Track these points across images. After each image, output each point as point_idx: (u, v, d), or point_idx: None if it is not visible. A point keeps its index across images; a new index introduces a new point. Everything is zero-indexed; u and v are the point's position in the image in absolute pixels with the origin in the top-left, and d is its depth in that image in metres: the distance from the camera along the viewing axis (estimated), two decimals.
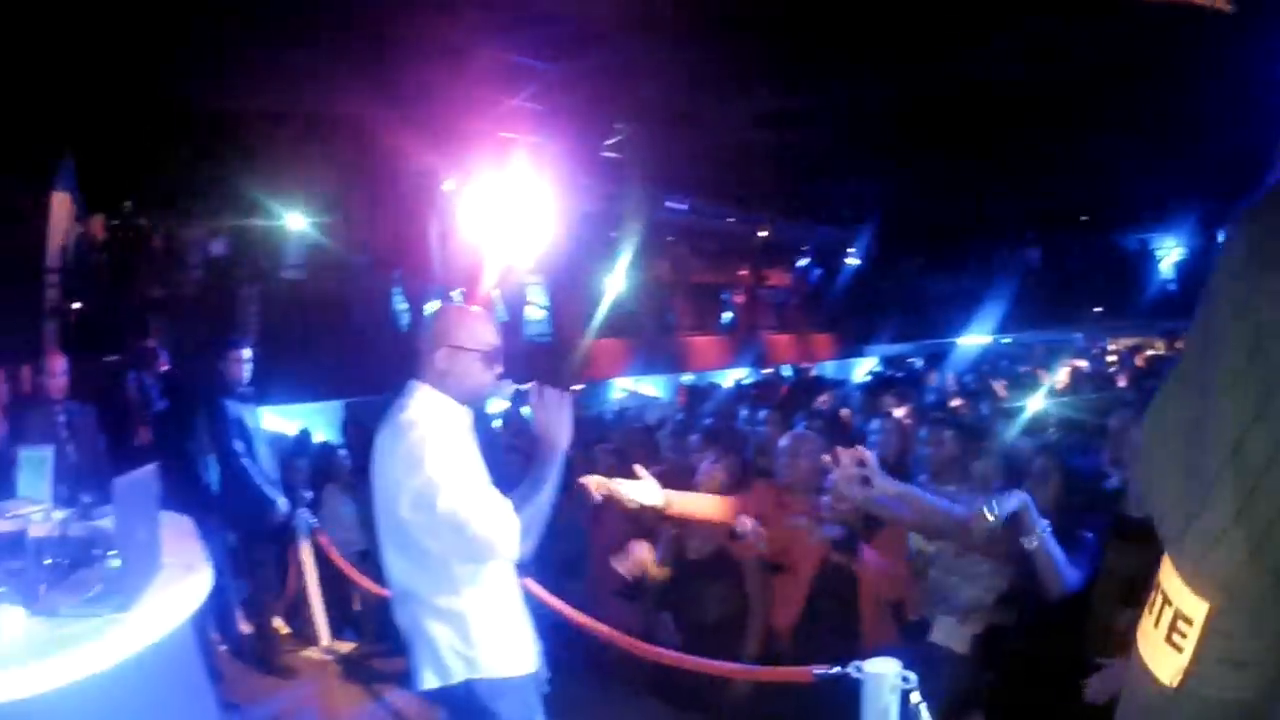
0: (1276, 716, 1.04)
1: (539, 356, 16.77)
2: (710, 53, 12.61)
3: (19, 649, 3.22)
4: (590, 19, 12.02)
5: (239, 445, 7.76)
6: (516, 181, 15.31)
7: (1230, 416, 1.00)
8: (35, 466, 5.82)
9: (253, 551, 8.02)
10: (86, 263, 11.63)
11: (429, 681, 3.45)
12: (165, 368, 9.40)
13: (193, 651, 4.16)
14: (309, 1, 10.73)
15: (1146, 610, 1.14)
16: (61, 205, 11.77)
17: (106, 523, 5.27)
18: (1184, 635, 1.07)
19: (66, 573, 3.94)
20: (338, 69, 12.24)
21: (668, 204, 18.31)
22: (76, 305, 11.42)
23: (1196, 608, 1.05)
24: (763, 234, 22.45)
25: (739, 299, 21.93)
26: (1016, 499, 3.62)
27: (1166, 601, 1.09)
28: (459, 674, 3.43)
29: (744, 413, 9.89)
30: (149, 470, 4.05)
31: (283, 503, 7.87)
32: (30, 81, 9.99)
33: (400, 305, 15.96)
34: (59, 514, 5.36)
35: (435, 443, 3.31)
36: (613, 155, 17.10)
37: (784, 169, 18.18)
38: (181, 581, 3.84)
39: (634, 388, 19.35)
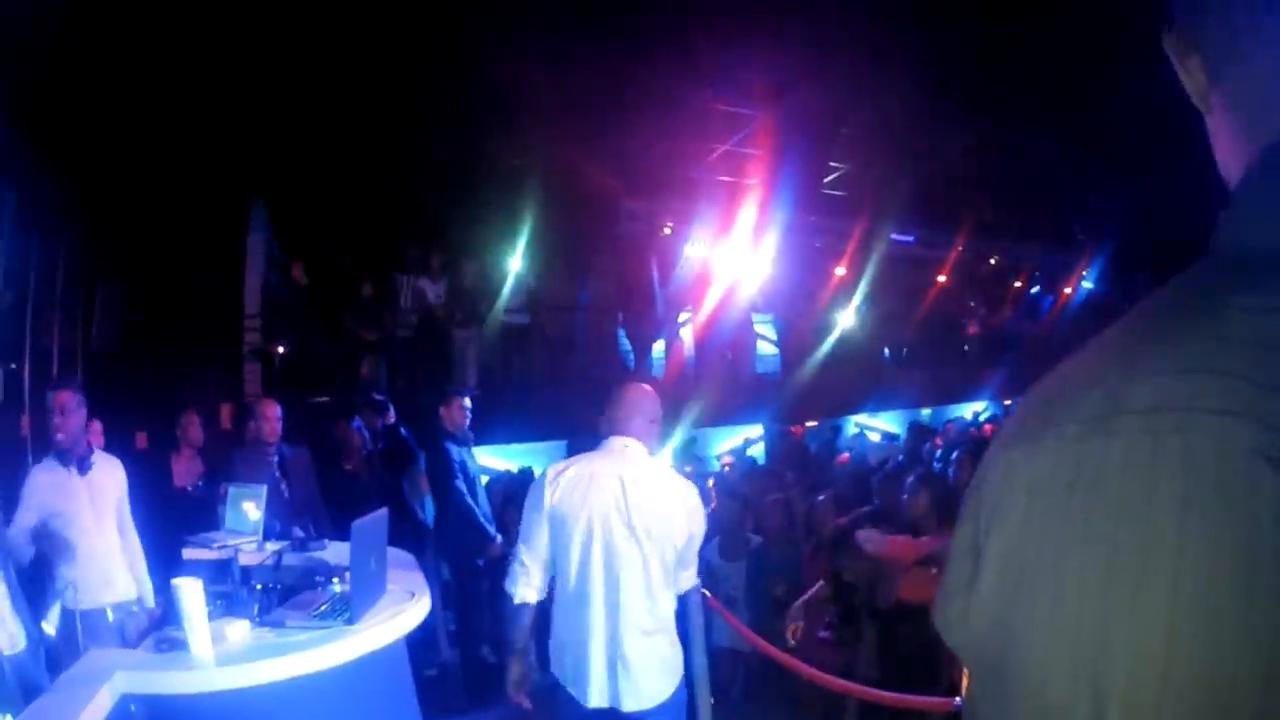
0: None
1: (768, 393, 16.89)
2: (924, 81, 12.59)
3: (248, 650, 3.90)
4: (789, 64, 12.21)
5: (460, 485, 8.27)
6: (737, 223, 15.56)
7: None
8: (244, 501, 6.37)
9: (466, 584, 8.65)
10: (287, 306, 12.16)
11: (659, 694, 4.30)
12: (392, 419, 9.92)
13: (405, 666, 4.89)
14: (520, 54, 11.14)
15: None
16: (257, 249, 12.43)
17: (324, 555, 5.86)
18: None
19: (284, 596, 4.78)
20: (554, 118, 12.68)
21: (893, 236, 18.21)
22: (280, 349, 11.92)
23: None
24: (993, 261, 22.10)
25: (972, 330, 21.58)
26: None
27: None
28: (673, 684, 4.35)
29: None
30: (382, 514, 4.73)
31: (499, 539, 8.32)
32: (229, 122, 10.57)
33: (625, 346, 16.30)
34: (272, 546, 5.89)
35: None
36: (834, 192, 17.27)
37: (1011, 192, 17.89)
38: (402, 605, 4.67)
39: (867, 423, 19.31)
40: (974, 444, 9.11)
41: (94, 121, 9.42)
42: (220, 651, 3.90)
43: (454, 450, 8.54)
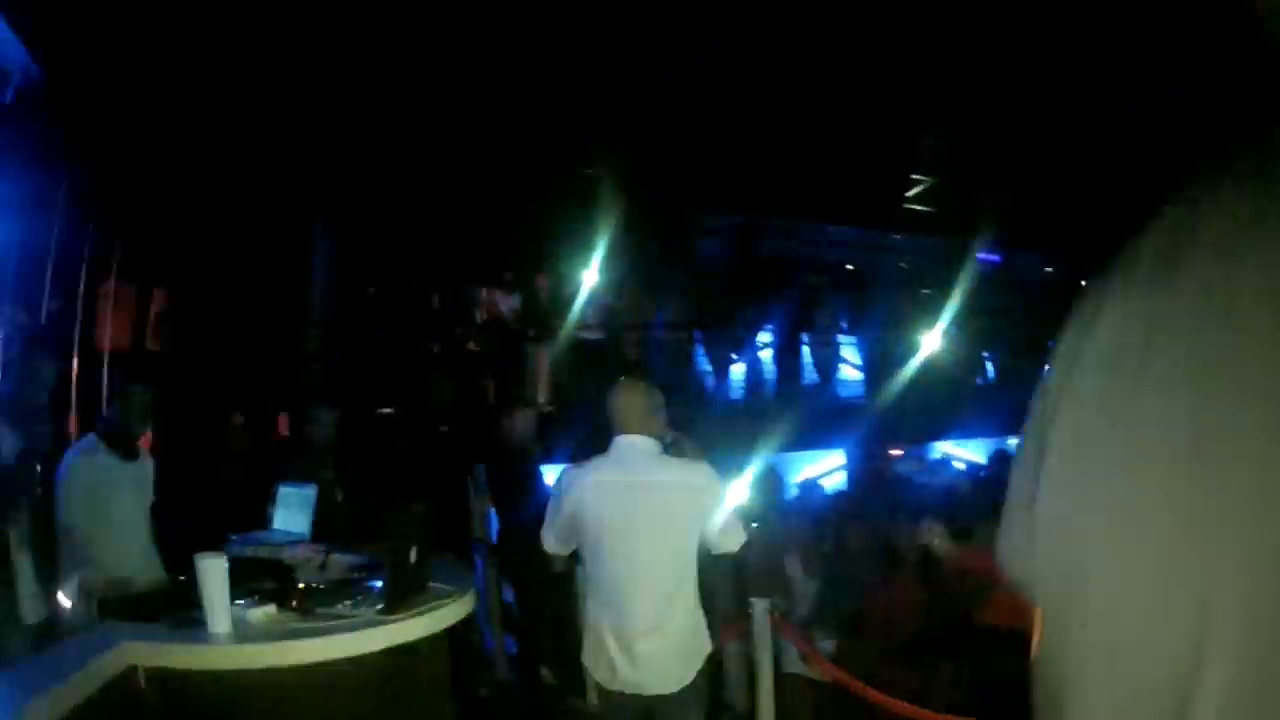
0: None
1: (852, 418, 16.58)
2: (1012, 77, 12.30)
3: (270, 632, 3.76)
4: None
5: (523, 500, 8.11)
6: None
7: None
8: (294, 502, 6.28)
9: (528, 602, 8.52)
10: (353, 316, 12.17)
11: (681, 679, 4.58)
12: (445, 428, 9.82)
13: (443, 666, 4.75)
14: (584, 66, 11.10)
15: None
16: (322, 255, 12.44)
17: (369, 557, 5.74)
18: None
19: (327, 592, 4.65)
20: (627, 127, 12.61)
21: (979, 256, 17.86)
22: (342, 357, 11.91)
23: None
24: (1084, 284, 21.48)
25: None
26: None
27: None
28: (695, 669, 4.62)
29: None
30: (420, 507, 4.58)
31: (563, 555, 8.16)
32: (296, 130, 10.64)
33: (704, 366, 16.13)
34: (318, 547, 5.77)
35: None
36: (918, 208, 16.94)
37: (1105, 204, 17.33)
38: (442, 602, 4.56)
39: (954, 451, 18.89)
40: None
41: (152, 125, 9.48)
42: (241, 633, 3.76)
43: (517, 463, 8.44)
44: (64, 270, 8.93)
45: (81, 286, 9.16)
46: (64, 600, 5.18)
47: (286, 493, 6.51)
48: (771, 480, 9.11)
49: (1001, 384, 19.54)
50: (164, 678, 3.60)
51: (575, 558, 8.10)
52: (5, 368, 7.57)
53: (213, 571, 3.75)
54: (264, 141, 10.26)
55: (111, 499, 5.85)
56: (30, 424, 7.01)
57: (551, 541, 5.03)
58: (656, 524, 4.59)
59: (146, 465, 6.25)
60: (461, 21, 10.59)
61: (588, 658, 4.73)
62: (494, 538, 9.05)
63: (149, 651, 3.64)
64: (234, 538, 6.15)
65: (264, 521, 6.52)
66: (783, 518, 8.95)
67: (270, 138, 10.27)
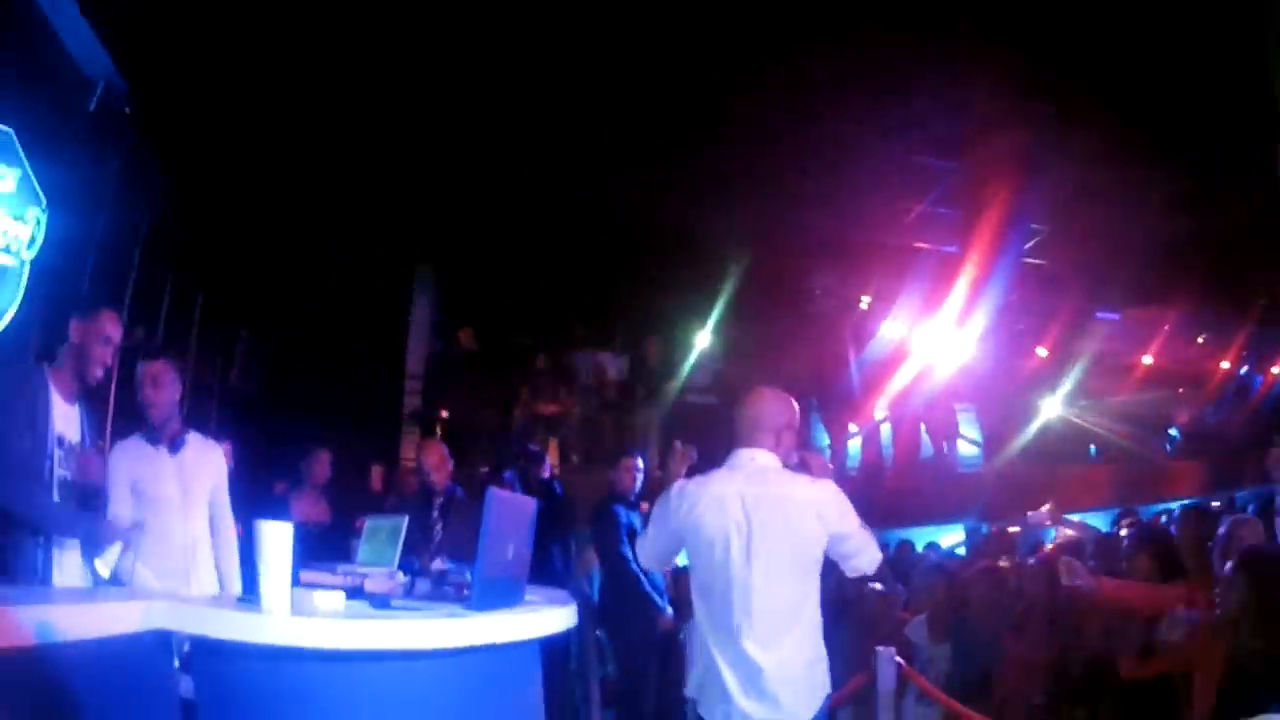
0: None
1: (969, 492, 16.06)
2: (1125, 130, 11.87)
3: (333, 613, 3.50)
4: (987, 104, 11.68)
5: (626, 551, 7.96)
6: (933, 296, 15.03)
7: None
8: (383, 535, 5.95)
9: (632, 659, 8.29)
10: (453, 374, 12.11)
11: (797, 714, 4.28)
12: (547, 474, 9.59)
13: (534, 680, 4.24)
14: (694, 120, 10.93)
15: None
16: (423, 311, 12.34)
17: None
18: None
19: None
20: (741, 188, 12.42)
21: (1098, 315, 17.34)
22: (444, 414, 11.82)
23: None
24: (1200, 340, 20.43)
25: (1181, 419, 20.04)
26: None
27: None
28: (816, 703, 4.35)
29: None
30: (530, 499, 4.51)
31: (669, 612, 7.92)
32: (401, 184, 10.64)
33: (821, 437, 15.82)
34: (403, 577, 5.42)
35: None
36: (1035, 261, 16.37)
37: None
38: (535, 610, 4.01)
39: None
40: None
41: (247, 172, 9.49)
42: (298, 610, 3.36)
43: (622, 513, 8.30)
44: (143, 306, 8.90)
45: (162, 323, 9.11)
46: (102, 570, 4.81)
47: (375, 525, 6.18)
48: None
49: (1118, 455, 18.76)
50: (209, 650, 3.25)
51: (681, 614, 7.87)
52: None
53: (273, 536, 3.35)
54: (372, 189, 10.26)
55: (154, 496, 5.51)
56: None
57: (647, 557, 4.83)
58: (780, 540, 4.34)
59: (203, 454, 5.88)
60: (573, 81, 10.57)
61: (703, 707, 4.41)
62: (596, 596, 8.79)
63: (184, 615, 3.30)
64: (312, 564, 5.85)
65: (348, 556, 6.24)
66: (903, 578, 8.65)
67: (379, 185, 10.28)
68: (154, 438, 5.60)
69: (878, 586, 7.89)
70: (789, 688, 4.26)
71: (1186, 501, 18.02)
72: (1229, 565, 5.08)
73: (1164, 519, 13.93)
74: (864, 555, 4.50)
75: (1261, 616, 4.20)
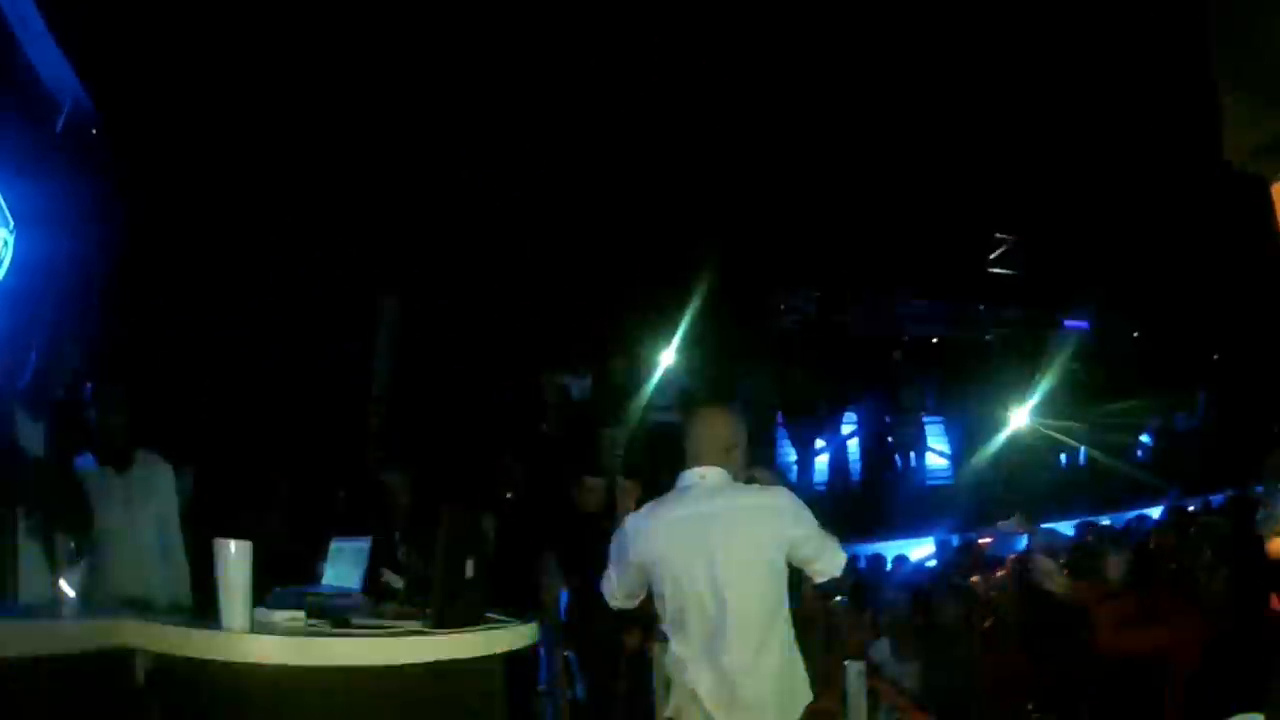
0: None
1: (939, 503, 16.13)
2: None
3: (292, 630, 3.53)
4: None
5: (595, 572, 7.95)
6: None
7: None
8: (348, 557, 5.96)
9: (600, 679, 8.28)
10: (417, 395, 12.14)
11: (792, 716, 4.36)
12: (512, 493, 9.63)
13: (499, 699, 4.15)
14: (660, 147, 11.02)
15: None
16: (386, 336, 12.42)
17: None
18: None
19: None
20: (699, 206, 12.52)
21: (1066, 323, 17.46)
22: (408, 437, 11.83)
23: None
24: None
25: (1151, 427, 20.01)
26: None
27: None
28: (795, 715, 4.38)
29: None
30: (483, 517, 4.34)
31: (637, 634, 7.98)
32: (366, 208, 10.75)
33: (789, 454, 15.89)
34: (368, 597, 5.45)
35: None
36: (1000, 271, 16.44)
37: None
38: (496, 628, 3.99)
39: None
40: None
41: (215, 194, 9.51)
42: (259, 629, 3.40)
43: (587, 533, 8.23)
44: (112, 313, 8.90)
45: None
46: (66, 588, 4.86)
47: (339, 547, 6.20)
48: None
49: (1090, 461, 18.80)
50: (162, 667, 3.27)
51: (650, 631, 7.88)
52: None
53: (234, 555, 3.38)
54: (334, 212, 10.28)
55: (100, 513, 5.51)
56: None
57: (614, 592, 4.81)
58: (742, 551, 4.36)
59: (152, 472, 6.00)
60: (538, 104, 10.62)
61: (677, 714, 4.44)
62: (564, 615, 8.81)
63: (147, 634, 3.30)
64: (276, 590, 5.86)
65: (314, 577, 6.25)
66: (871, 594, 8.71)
67: (340, 208, 10.30)
68: (101, 457, 5.69)
69: (840, 599, 7.95)
70: (771, 699, 4.29)
71: (1158, 508, 18.23)
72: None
73: (1135, 525, 14.12)
74: (826, 557, 4.48)
75: None
